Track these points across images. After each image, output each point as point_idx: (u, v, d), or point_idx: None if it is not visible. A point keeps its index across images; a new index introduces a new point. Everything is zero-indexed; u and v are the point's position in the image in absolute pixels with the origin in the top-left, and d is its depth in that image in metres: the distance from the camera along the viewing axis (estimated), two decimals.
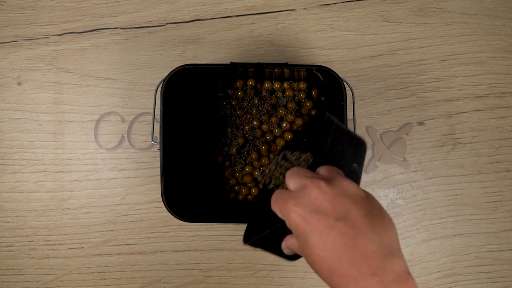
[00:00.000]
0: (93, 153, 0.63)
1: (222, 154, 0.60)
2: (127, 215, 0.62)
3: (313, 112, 0.60)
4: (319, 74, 0.56)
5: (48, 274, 0.62)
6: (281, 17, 0.64)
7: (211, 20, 0.64)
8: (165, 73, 0.61)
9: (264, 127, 0.60)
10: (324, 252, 0.30)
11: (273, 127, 0.60)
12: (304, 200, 0.31)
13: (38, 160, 0.63)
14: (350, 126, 0.57)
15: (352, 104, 0.55)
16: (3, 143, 0.63)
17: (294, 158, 0.41)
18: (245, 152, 0.60)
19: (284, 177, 0.41)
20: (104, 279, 0.62)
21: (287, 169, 0.41)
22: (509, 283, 0.61)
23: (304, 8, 0.65)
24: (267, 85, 0.60)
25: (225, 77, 0.60)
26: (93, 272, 0.62)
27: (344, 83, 0.52)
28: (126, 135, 0.63)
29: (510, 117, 0.63)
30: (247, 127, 0.60)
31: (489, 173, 0.62)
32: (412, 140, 0.63)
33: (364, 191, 0.33)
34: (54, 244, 0.62)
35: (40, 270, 0.62)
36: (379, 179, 0.62)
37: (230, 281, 0.61)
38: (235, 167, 0.60)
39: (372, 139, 0.63)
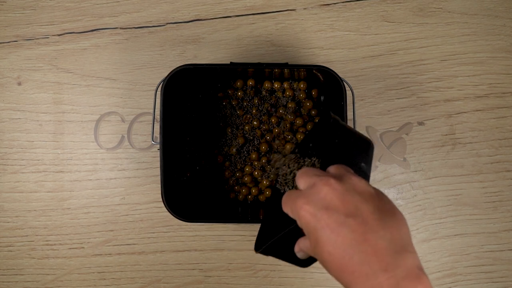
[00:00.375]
0: (93, 153, 0.63)
1: (222, 154, 0.60)
2: (127, 215, 0.62)
3: (313, 112, 0.60)
4: (319, 74, 0.56)
5: (48, 274, 0.62)
6: (281, 17, 0.64)
7: (211, 20, 0.64)
8: (165, 73, 0.61)
9: (264, 127, 0.60)
10: (335, 249, 0.29)
11: (273, 127, 0.60)
12: (314, 198, 0.31)
13: (38, 160, 0.63)
14: (350, 126, 0.57)
15: (352, 104, 0.55)
16: (3, 143, 0.63)
17: (302, 162, 0.41)
18: (245, 152, 0.60)
19: (293, 180, 0.41)
20: (104, 279, 0.62)
21: (293, 172, 0.42)
22: (509, 283, 0.61)
23: (304, 8, 0.65)
24: (267, 85, 0.60)
25: (225, 77, 0.60)
26: (93, 272, 0.62)
27: (344, 83, 0.52)
28: (126, 135, 0.63)
29: (510, 117, 0.63)
30: (247, 127, 0.60)
31: (489, 173, 0.62)
32: (412, 140, 0.63)
33: (374, 188, 0.33)
34: (54, 244, 0.62)
35: (40, 270, 0.62)
36: (379, 179, 0.62)
37: (230, 281, 0.61)
38: (235, 167, 0.60)
39: (372, 139, 0.63)
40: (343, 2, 0.65)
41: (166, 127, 0.52)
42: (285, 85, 0.60)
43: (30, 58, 0.64)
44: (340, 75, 0.52)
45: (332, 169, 0.35)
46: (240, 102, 0.60)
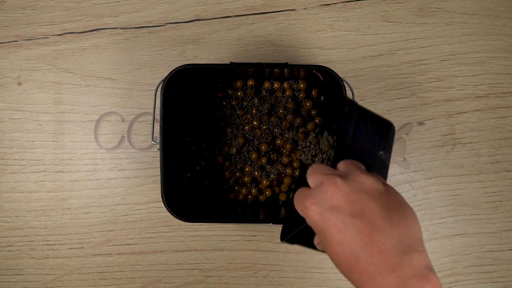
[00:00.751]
0: (93, 153, 0.63)
1: (222, 154, 0.60)
2: (127, 215, 0.62)
3: (313, 112, 0.60)
4: (319, 74, 0.56)
5: (48, 274, 0.62)
6: (281, 17, 0.64)
7: (211, 20, 0.64)
8: (165, 73, 0.61)
9: (264, 127, 0.60)
10: (342, 250, 0.29)
11: (273, 127, 0.60)
12: (321, 198, 0.31)
13: (38, 160, 0.63)
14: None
15: None
16: (3, 143, 0.63)
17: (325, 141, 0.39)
18: (245, 152, 0.60)
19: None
20: (104, 279, 0.62)
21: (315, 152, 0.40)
22: (509, 283, 0.61)
23: (304, 8, 0.65)
24: (267, 85, 0.60)
25: (225, 77, 0.60)
26: (93, 272, 0.62)
27: (344, 83, 0.52)
28: (126, 135, 0.63)
29: (510, 117, 0.63)
30: (247, 127, 0.60)
31: (489, 173, 0.62)
32: (412, 140, 0.63)
33: (383, 184, 0.32)
34: (54, 244, 0.62)
35: (40, 270, 0.62)
36: None
37: (230, 281, 0.61)
38: (235, 167, 0.60)
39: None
40: (343, 2, 0.65)
41: (166, 127, 0.52)
42: (285, 85, 0.60)
43: (30, 58, 0.64)
44: (340, 75, 0.52)
45: (341, 165, 0.34)
46: (240, 102, 0.60)
